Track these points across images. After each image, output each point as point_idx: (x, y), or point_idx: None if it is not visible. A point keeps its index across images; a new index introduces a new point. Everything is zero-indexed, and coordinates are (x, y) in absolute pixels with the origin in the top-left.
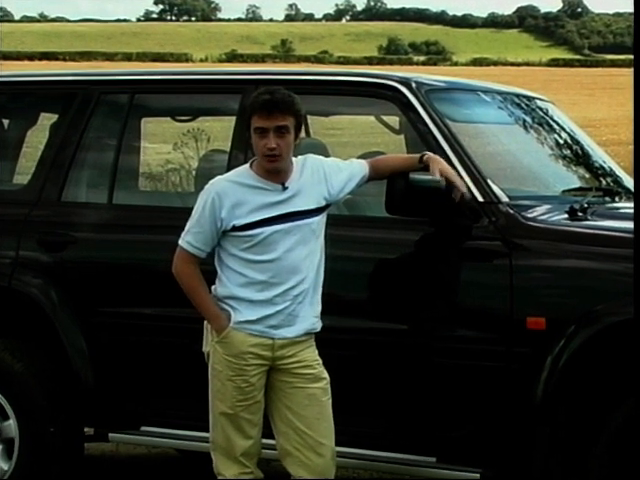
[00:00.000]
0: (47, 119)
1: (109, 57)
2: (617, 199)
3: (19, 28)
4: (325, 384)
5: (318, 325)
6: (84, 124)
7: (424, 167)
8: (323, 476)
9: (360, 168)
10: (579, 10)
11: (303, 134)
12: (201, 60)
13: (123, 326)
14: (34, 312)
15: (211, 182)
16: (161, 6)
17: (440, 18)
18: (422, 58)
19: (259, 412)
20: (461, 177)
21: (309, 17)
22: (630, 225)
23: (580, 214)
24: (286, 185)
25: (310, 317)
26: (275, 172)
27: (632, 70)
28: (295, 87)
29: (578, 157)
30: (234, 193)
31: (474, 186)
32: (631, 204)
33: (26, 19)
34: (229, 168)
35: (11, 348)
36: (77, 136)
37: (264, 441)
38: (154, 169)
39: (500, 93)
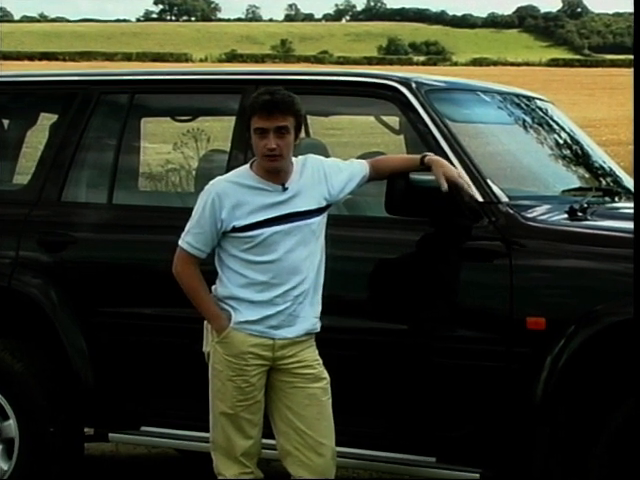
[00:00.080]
0: (47, 119)
1: (109, 57)
2: (617, 199)
3: (19, 28)
4: (325, 384)
5: (318, 325)
6: (84, 124)
7: (425, 168)
8: (323, 476)
9: (360, 168)
10: (579, 10)
11: (303, 134)
12: (201, 60)
13: (123, 326)
14: (34, 312)
15: (211, 183)
16: (161, 6)
17: (440, 18)
18: (422, 58)
19: (259, 412)
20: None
21: (309, 17)
22: (630, 225)
23: (580, 214)
24: (286, 186)
25: (310, 317)
26: (275, 172)
27: (632, 70)
28: (295, 87)
29: (578, 157)
30: (234, 194)
31: (474, 186)
32: (631, 204)
33: (26, 19)
34: (229, 168)
35: (11, 348)
36: (77, 136)
37: (264, 441)
38: (154, 169)
39: (500, 93)
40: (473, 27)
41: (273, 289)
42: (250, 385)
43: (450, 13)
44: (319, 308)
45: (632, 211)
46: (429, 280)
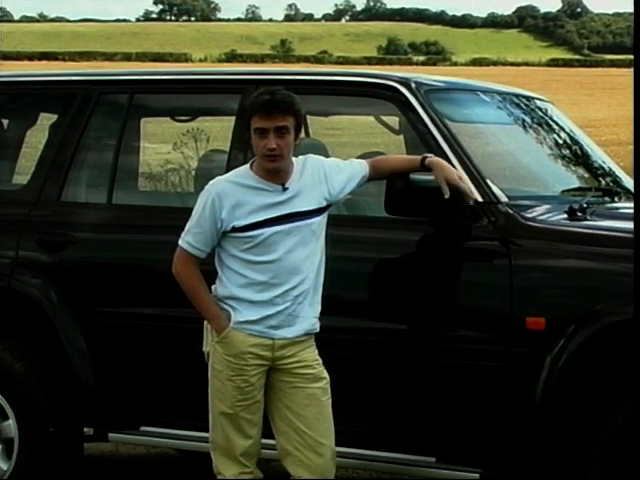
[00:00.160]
0: (47, 119)
1: (109, 57)
2: (616, 199)
3: (19, 28)
4: (325, 384)
5: (318, 325)
6: (84, 124)
7: (426, 170)
8: (323, 476)
9: (360, 168)
10: (578, 10)
11: (303, 134)
12: (200, 60)
13: (123, 326)
14: (34, 312)
15: (211, 183)
16: (161, 6)
17: (440, 18)
18: (422, 58)
19: (259, 412)
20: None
21: (308, 17)
22: (629, 225)
23: (579, 214)
24: (286, 186)
25: (310, 317)
26: (275, 172)
27: (632, 70)
28: (294, 87)
29: (577, 157)
30: (234, 194)
31: (474, 186)
32: (630, 204)
33: (26, 19)
34: (228, 168)
35: (11, 348)
36: (77, 136)
37: (264, 441)
38: (154, 169)
39: (499, 93)
40: (473, 27)
41: (273, 289)
42: (250, 385)
43: (450, 13)
44: (319, 308)
45: (632, 211)
46: (429, 280)
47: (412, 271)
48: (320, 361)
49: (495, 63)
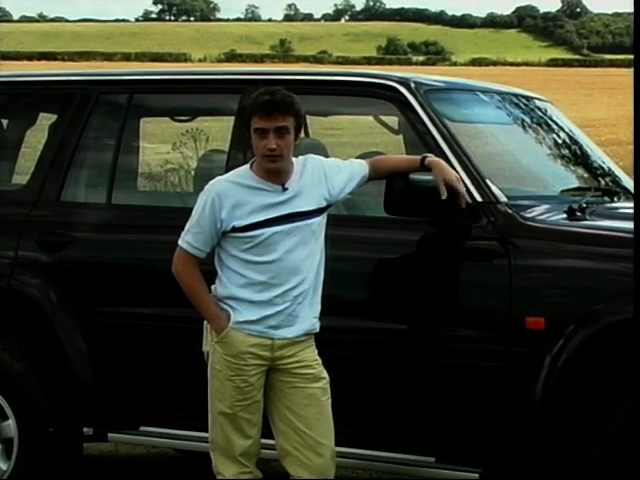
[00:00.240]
0: (46, 119)
1: (108, 57)
2: (616, 199)
3: (18, 28)
4: (325, 384)
5: (317, 325)
6: (83, 124)
7: (425, 170)
8: (323, 476)
9: (360, 168)
10: (578, 10)
11: (302, 134)
12: (200, 60)
13: (122, 326)
14: (33, 312)
15: (211, 182)
16: (160, 6)
17: (439, 18)
18: (421, 58)
19: (258, 412)
20: (461, 179)
21: (308, 17)
22: (629, 225)
23: (579, 214)
24: (286, 186)
25: (310, 318)
26: (275, 173)
27: (631, 70)
28: (294, 87)
29: (577, 157)
30: (234, 194)
31: (473, 186)
32: (630, 204)
33: (25, 19)
34: (228, 168)
35: (10, 348)
36: (76, 136)
37: (263, 441)
38: (153, 169)
39: (499, 93)
40: (472, 27)
41: (272, 289)
42: (249, 385)
43: (449, 13)
44: (318, 308)
45: (631, 211)
46: (428, 280)
47: (411, 271)
48: (320, 361)
49: (494, 63)
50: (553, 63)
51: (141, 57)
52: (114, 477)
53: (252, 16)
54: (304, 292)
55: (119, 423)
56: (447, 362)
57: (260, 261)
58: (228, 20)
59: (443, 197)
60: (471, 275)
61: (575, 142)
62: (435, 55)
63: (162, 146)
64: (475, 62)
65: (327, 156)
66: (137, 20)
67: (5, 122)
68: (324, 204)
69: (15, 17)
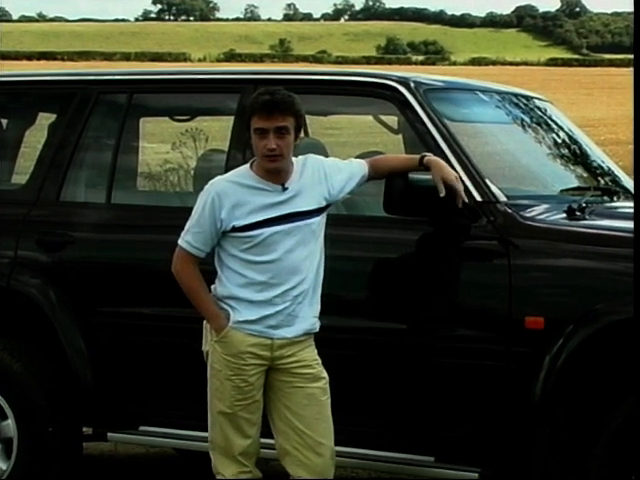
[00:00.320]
0: (45, 119)
1: (107, 57)
2: (615, 199)
3: (17, 28)
4: (324, 384)
5: (317, 325)
6: (82, 124)
7: (424, 169)
8: (322, 476)
9: (360, 168)
10: (577, 10)
11: (302, 134)
12: (199, 60)
13: (122, 326)
14: (33, 312)
15: (211, 182)
16: (159, 6)
17: (439, 18)
18: (420, 58)
19: (258, 411)
20: (461, 178)
21: (307, 17)
22: (628, 224)
23: (578, 213)
24: (286, 186)
25: (309, 317)
26: (275, 172)
27: (631, 70)
28: (293, 87)
29: (576, 157)
30: (234, 194)
31: (472, 186)
32: (629, 203)
33: (24, 19)
34: (227, 168)
35: (10, 348)
36: (75, 136)
37: (263, 440)
38: (152, 169)
39: (498, 93)
40: (472, 27)
41: (272, 289)
42: (249, 385)
43: (449, 12)
44: (318, 308)
45: (630, 210)
46: (428, 280)
47: (411, 271)
48: (319, 361)
49: (494, 63)
50: (552, 63)
51: (141, 57)
52: (114, 477)
53: (251, 16)
54: (304, 292)
55: (119, 423)
56: (447, 362)
57: (260, 261)
58: (227, 20)
59: (441, 195)
60: (471, 275)
61: (574, 142)
62: (434, 55)
63: (162, 146)
64: (474, 62)
65: (326, 156)
66: (136, 20)
67: (5, 122)
68: (324, 204)
69: (14, 17)
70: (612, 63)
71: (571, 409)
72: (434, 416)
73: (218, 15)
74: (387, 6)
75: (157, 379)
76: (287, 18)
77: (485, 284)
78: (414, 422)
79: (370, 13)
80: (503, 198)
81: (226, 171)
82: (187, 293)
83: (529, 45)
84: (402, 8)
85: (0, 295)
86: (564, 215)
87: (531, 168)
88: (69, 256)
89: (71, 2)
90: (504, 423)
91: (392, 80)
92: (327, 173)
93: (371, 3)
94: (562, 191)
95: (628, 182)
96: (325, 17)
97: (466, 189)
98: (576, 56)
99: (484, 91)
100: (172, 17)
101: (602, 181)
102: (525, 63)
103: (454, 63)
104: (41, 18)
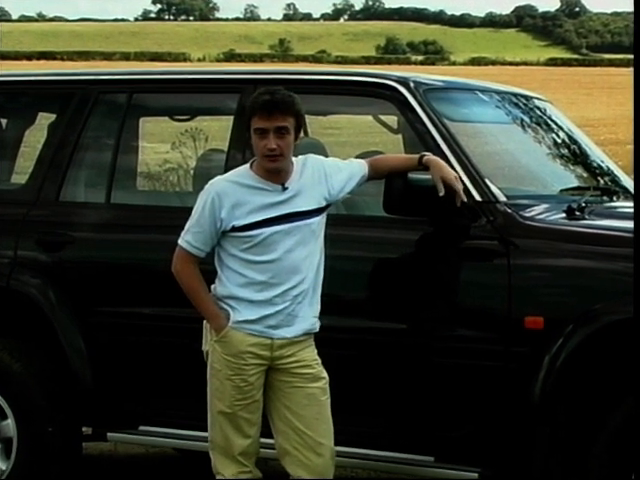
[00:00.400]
0: (45, 119)
1: (107, 57)
2: (615, 198)
3: (17, 28)
4: (324, 384)
5: (317, 325)
6: (82, 124)
7: (423, 168)
8: (322, 476)
9: (360, 168)
10: (577, 9)
11: (301, 134)
12: (199, 60)
13: (121, 326)
14: (33, 312)
15: (211, 182)
16: (159, 6)
17: (438, 18)
18: (420, 58)
19: (258, 411)
20: (460, 178)
21: (307, 17)
22: (628, 224)
23: (578, 213)
24: (286, 185)
25: (309, 317)
26: (275, 172)
27: (631, 69)
28: (293, 87)
29: (576, 156)
30: (234, 193)
31: (472, 185)
32: (629, 203)
33: (24, 18)
34: (227, 168)
35: (10, 348)
36: (75, 136)
37: (263, 440)
38: (152, 169)
39: (498, 92)
40: (471, 26)
41: (272, 289)
42: (248, 384)
43: (448, 12)
44: (318, 308)
45: (630, 210)
46: (427, 280)
47: (411, 271)
48: (319, 361)
49: (494, 62)
50: (552, 62)
51: (140, 57)
52: (113, 477)
53: (251, 16)
54: (304, 292)
55: (118, 423)
56: (446, 362)
57: (260, 261)
58: (227, 20)
59: (441, 194)
60: (470, 275)
61: (574, 141)
62: (434, 54)
63: (161, 145)
64: (474, 61)
65: (326, 155)
66: (136, 20)
67: (4, 122)
68: (324, 204)
69: (14, 17)
70: (612, 63)
71: (571, 409)
72: (434, 416)
73: (218, 15)
74: (387, 6)
75: (157, 379)
76: (287, 18)
77: (485, 284)
78: (414, 422)
79: (370, 13)
80: (503, 198)
81: (226, 171)
82: (187, 293)
83: (529, 45)
84: (402, 8)
85: (0, 295)
86: (564, 215)
87: (531, 168)
88: (69, 256)
89: (71, 2)
90: (504, 423)
91: (392, 80)
92: (327, 173)
93: (371, 3)
94: (562, 191)
95: (628, 182)
96: (325, 17)
97: (466, 189)
98: (576, 56)
99: (484, 91)
100: (172, 17)
101: (602, 181)
102: (525, 63)
103: (454, 63)
104: (41, 18)
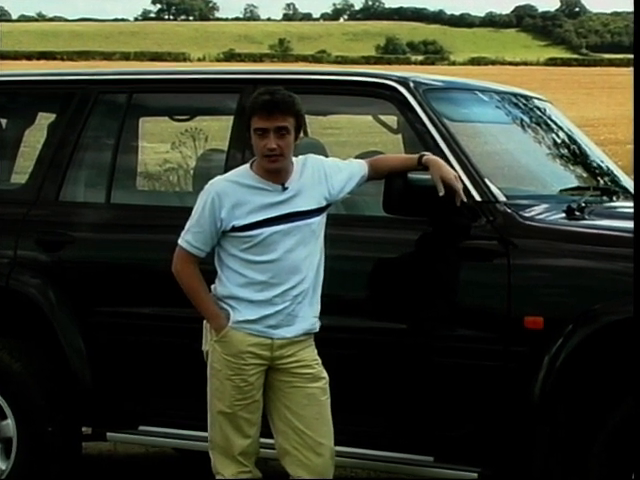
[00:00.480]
0: (45, 118)
1: (107, 56)
2: (615, 198)
3: (17, 27)
4: (324, 384)
5: (317, 325)
6: (82, 123)
7: (423, 168)
8: (322, 476)
9: (359, 168)
10: (577, 9)
11: (301, 134)
12: (199, 59)
13: (121, 326)
14: (32, 312)
15: (211, 182)
16: (159, 5)
17: (438, 17)
18: (420, 57)
19: (257, 411)
20: (460, 178)
21: (307, 16)
22: (628, 224)
23: (577, 213)
24: (286, 185)
25: (309, 317)
26: (275, 172)
27: (631, 69)
28: (293, 86)
29: (576, 156)
30: (234, 193)
31: (472, 185)
32: (628, 203)
33: (24, 18)
34: (227, 167)
35: (9, 348)
36: (75, 135)
37: (262, 440)
38: (152, 168)
39: (498, 92)
40: (471, 26)
41: (272, 289)
42: (248, 384)
43: (448, 12)
44: (318, 308)
45: (630, 210)
46: (427, 279)
47: (411, 270)
48: (319, 361)
49: (493, 62)
50: (552, 62)
51: (140, 56)
52: (113, 476)
53: (251, 15)
54: (304, 292)
55: (118, 422)
56: (446, 361)
57: (260, 260)
58: (227, 19)
59: (441, 194)
60: (470, 274)
61: (574, 141)
62: (434, 54)
63: (161, 145)
64: (474, 61)
65: (326, 155)
66: (136, 19)
67: (4, 121)
68: (324, 204)
69: (14, 16)
70: (611, 63)
71: (570, 409)
72: (434, 416)
73: (217, 15)
74: (386, 6)
75: (157, 379)
76: (286, 18)
77: (484, 284)
78: (414, 422)
79: (369, 13)
80: (502, 198)
81: (225, 171)
82: (187, 293)
83: (528, 45)
84: (401, 8)
85: None
86: (563, 215)
87: (530, 168)
88: (68, 256)
89: (70, 2)
90: (504, 423)
91: (392, 80)
92: (327, 173)
93: (370, 3)
94: (561, 191)
95: (627, 182)
96: (324, 17)
97: (465, 189)
98: (575, 56)
99: (483, 91)
100: (171, 17)
101: (601, 181)
102: (524, 63)
103: (453, 63)
104: (40, 18)
